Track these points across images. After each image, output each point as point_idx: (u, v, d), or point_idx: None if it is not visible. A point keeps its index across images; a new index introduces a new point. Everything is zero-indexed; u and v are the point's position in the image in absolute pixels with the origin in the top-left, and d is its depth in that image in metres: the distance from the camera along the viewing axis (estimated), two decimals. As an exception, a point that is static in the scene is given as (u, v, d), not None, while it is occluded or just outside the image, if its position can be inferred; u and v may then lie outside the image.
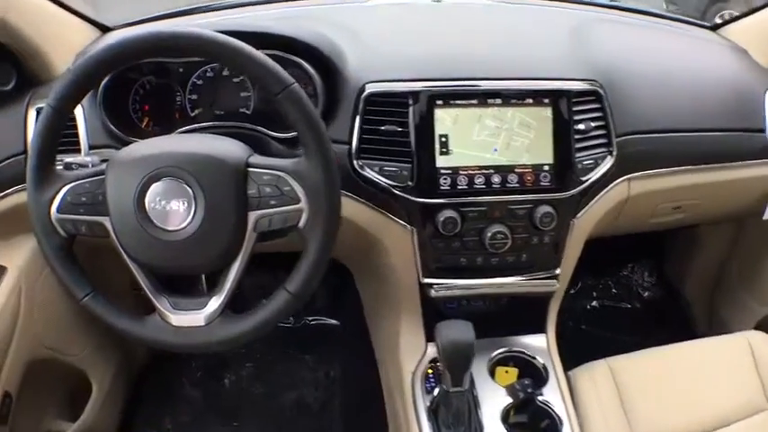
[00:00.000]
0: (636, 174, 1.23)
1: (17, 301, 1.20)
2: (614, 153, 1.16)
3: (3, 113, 1.18)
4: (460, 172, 1.10)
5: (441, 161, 1.09)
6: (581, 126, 1.14)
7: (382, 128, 1.09)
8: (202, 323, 0.90)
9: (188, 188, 0.86)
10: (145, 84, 1.19)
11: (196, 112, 1.19)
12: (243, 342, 0.93)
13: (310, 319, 1.82)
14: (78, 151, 1.14)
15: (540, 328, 1.27)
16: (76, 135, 1.13)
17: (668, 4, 4.68)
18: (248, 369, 1.71)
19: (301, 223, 0.89)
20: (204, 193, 0.86)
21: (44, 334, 1.29)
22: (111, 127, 1.14)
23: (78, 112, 1.13)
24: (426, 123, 1.09)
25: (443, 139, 1.09)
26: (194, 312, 0.90)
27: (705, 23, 1.59)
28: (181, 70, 1.18)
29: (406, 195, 1.10)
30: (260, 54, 0.86)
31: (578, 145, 1.14)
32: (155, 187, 0.86)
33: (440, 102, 1.09)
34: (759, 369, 1.22)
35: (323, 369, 1.70)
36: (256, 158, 0.90)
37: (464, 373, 1.04)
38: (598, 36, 1.30)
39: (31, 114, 1.18)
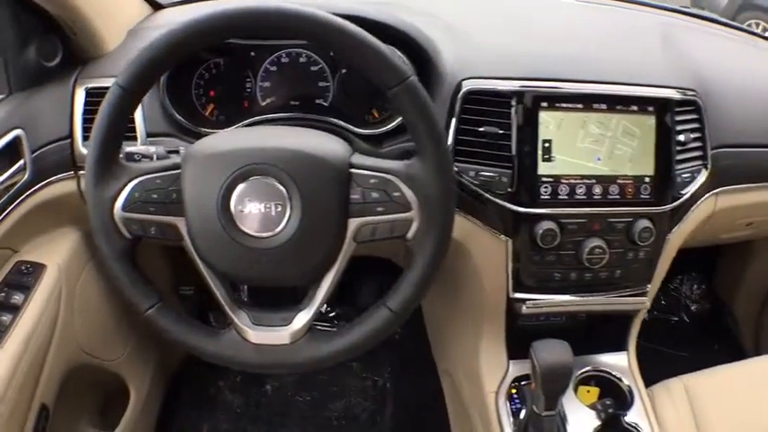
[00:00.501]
0: (723, 188, 1.18)
1: (57, 303, 1.09)
2: (708, 166, 1.11)
3: (47, 92, 1.07)
4: (562, 181, 1.03)
5: (542, 168, 1.02)
6: (681, 137, 1.08)
7: (481, 129, 1.01)
8: (287, 341, 0.81)
9: (283, 189, 0.76)
10: (211, 67, 1.09)
11: (267, 101, 1.09)
12: (332, 363, 0.84)
13: None
14: (133, 139, 1.04)
15: (620, 346, 1.22)
16: (132, 121, 1.02)
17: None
18: (293, 375, 1.62)
19: (410, 234, 0.80)
20: (301, 196, 0.76)
21: (83, 338, 1.18)
22: (174, 113, 1.04)
23: None
24: (530, 126, 1.01)
25: (546, 145, 1.02)
26: (278, 329, 0.81)
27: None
28: (253, 54, 1.08)
29: (503, 203, 1.02)
30: (377, 41, 0.76)
31: (678, 157, 1.08)
32: (243, 187, 0.76)
33: (544, 104, 1.02)
34: None
35: (371, 377, 1.62)
36: (360, 158, 0.81)
37: (559, 396, 0.98)
38: (691, 45, 1.25)
39: (79, 95, 1.07)
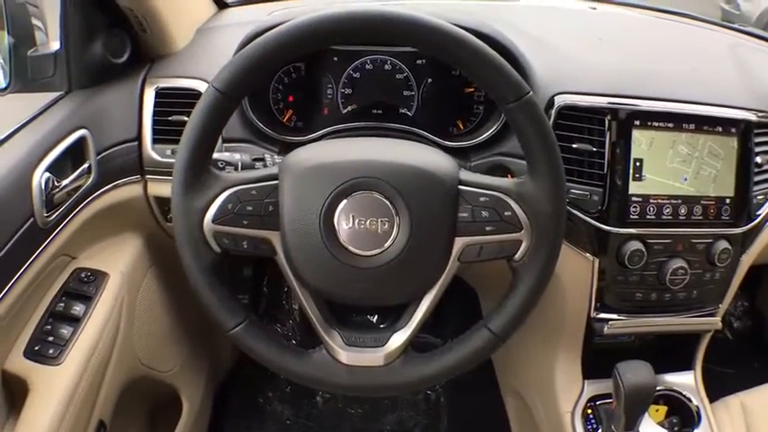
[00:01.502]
0: None
1: (118, 314, 1.05)
2: None
3: (114, 90, 1.04)
4: (651, 200, 1.02)
5: (633, 188, 1.01)
6: (758, 159, 1.08)
7: (574, 146, 1.00)
8: (381, 362, 0.78)
9: (390, 205, 0.74)
10: (291, 71, 1.06)
11: (349, 108, 1.07)
12: (428, 386, 0.84)
13: None
14: None
15: (688, 365, 1.21)
16: None
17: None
18: None
19: (518, 255, 0.78)
20: (410, 213, 0.74)
21: (142, 350, 1.15)
22: (253, 118, 1.01)
23: None
24: (623, 144, 1.00)
25: (637, 164, 1.01)
26: (372, 351, 0.78)
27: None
28: (336, 59, 1.05)
29: (593, 222, 1.01)
30: (497, 55, 0.74)
31: (755, 179, 1.08)
32: (348, 202, 0.74)
33: (637, 122, 1.01)
34: None
35: (423, 391, 1.58)
36: (469, 175, 0.79)
37: (640, 416, 0.98)
38: (760, 66, 1.25)
39: (149, 95, 1.05)
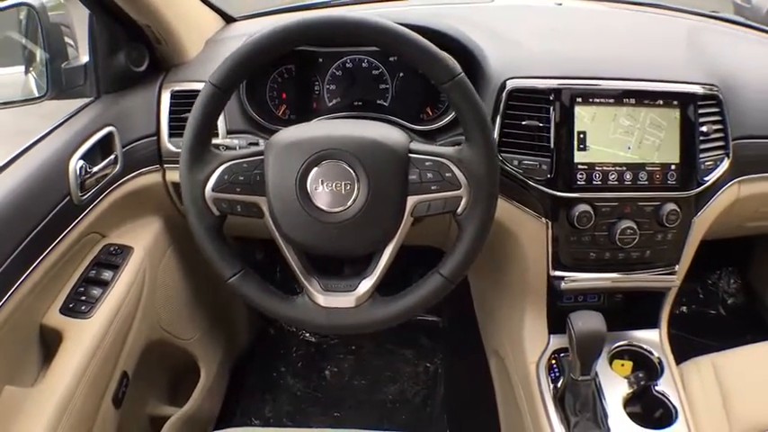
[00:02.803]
0: (747, 176, 1.27)
1: (141, 281, 1.24)
2: (730, 155, 1.21)
3: (136, 94, 1.23)
4: (596, 168, 1.14)
5: (578, 156, 1.14)
6: (703, 128, 1.18)
7: (523, 123, 1.14)
8: (353, 305, 0.92)
9: (351, 171, 0.89)
10: (283, 72, 1.24)
11: (333, 102, 1.24)
12: (392, 324, 0.96)
13: None
14: (215, 135, 1.17)
15: (653, 324, 1.30)
16: None
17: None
18: (349, 361, 1.74)
19: (459, 209, 0.92)
20: (368, 176, 0.89)
21: (163, 315, 1.33)
22: (252, 113, 1.19)
23: None
24: (566, 120, 1.13)
25: (581, 136, 1.14)
26: (345, 294, 0.93)
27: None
28: (321, 60, 1.23)
29: (543, 188, 1.14)
30: (428, 42, 0.90)
31: (701, 146, 1.18)
32: (319, 169, 0.89)
33: (579, 99, 1.14)
34: None
35: (423, 364, 1.73)
36: (417, 145, 0.94)
37: (594, 361, 1.08)
38: (714, 44, 1.36)
39: (165, 97, 1.23)
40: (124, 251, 1.22)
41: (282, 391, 1.68)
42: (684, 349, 1.30)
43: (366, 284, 0.93)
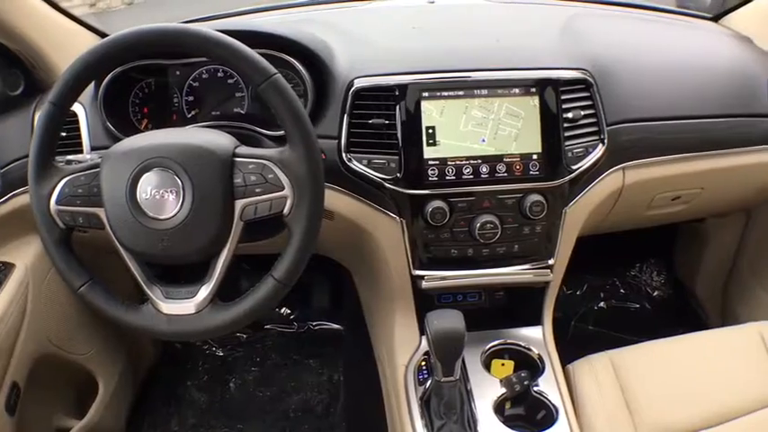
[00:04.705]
0: (631, 162, 1.22)
1: (25, 295, 1.25)
2: (605, 141, 1.16)
3: (12, 117, 1.24)
4: (448, 162, 1.11)
5: (428, 152, 1.10)
6: (569, 115, 1.14)
7: (370, 121, 1.11)
8: (192, 311, 0.92)
9: (177, 178, 0.89)
10: (144, 86, 1.24)
11: (193, 113, 1.23)
12: (232, 329, 0.95)
13: (314, 324, 1.84)
14: (80, 151, 1.18)
15: (536, 321, 1.26)
16: (80, 137, 1.17)
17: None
18: (254, 373, 1.74)
19: (286, 210, 0.90)
20: (192, 183, 0.88)
21: (51, 330, 1.34)
22: (111, 128, 1.18)
23: (81, 114, 1.18)
24: (413, 115, 1.10)
25: (430, 131, 1.11)
26: (185, 301, 0.92)
27: (706, 14, 1.60)
28: (178, 73, 1.22)
29: (394, 187, 1.11)
30: (243, 46, 0.89)
31: (568, 133, 1.14)
32: (146, 178, 0.89)
33: (426, 94, 1.10)
34: None
35: (327, 373, 1.72)
36: (243, 149, 0.93)
37: (455, 362, 1.03)
38: (588, 28, 1.32)
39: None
40: (6, 267, 1.25)
41: (188, 405, 1.68)
42: (607, 346, 1.25)
43: (205, 291, 0.92)
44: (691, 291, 1.80)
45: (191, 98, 1.23)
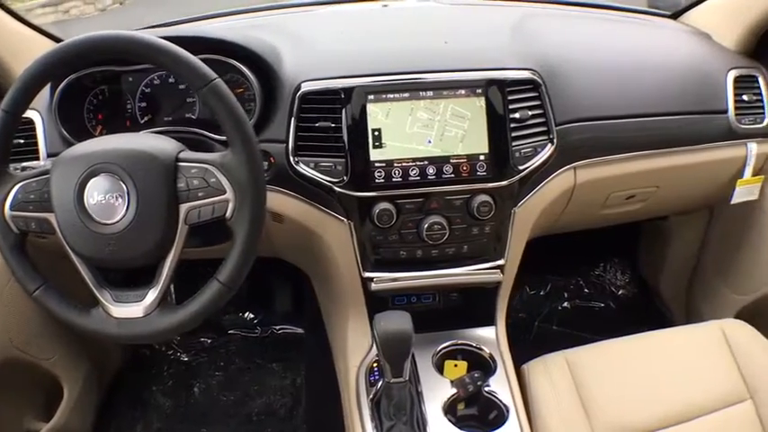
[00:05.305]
0: (582, 162, 1.23)
1: None
2: (555, 141, 1.16)
3: None
4: (395, 164, 1.11)
5: (374, 155, 1.11)
6: (517, 115, 1.15)
7: (317, 125, 1.12)
8: (141, 314, 0.93)
9: (122, 183, 0.90)
10: (98, 93, 1.25)
11: (145, 119, 1.24)
12: (180, 332, 0.96)
13: (277, 328, 1.85)
14: (38, 158, 1.19)
15: (490, 321, 1.26)
16: (37, 144, 1.18)
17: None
18: (218, 378, 1.75)
19: (228, 214, 0.91)
20: (136, 187, 0.90)
21: (14, 334, 1.34)
22: (66, 135, 1.19)
23: (38, 121, 1.19)
24: (359, 118, 1.11)
25: (376, 133, 1.11)
26: (134, 305, 0.93)
27: (664, 12, 1.61)
28: (131, 79, 1.23)
29: (341, 190, 1.12)
30: (183, 52, 0.90)
31: (515, 134, 1.15)
32: (92, 183, 0.90)
33: (371, 96, 1.11)
34: (737, 358, 1.18)
35: (290, 376, 1.73)
36: (186, 154, 0.94)
37: (403, 362, 1.03)
38: (540, 28, 1.32)
39: None
40: None
41: (153, 409, 1.69)
42: (570, 346, 1.25)
43: (152, 295, 0.93)
44: (655, 289, 1.80)
45: (143, 104, 1.24)
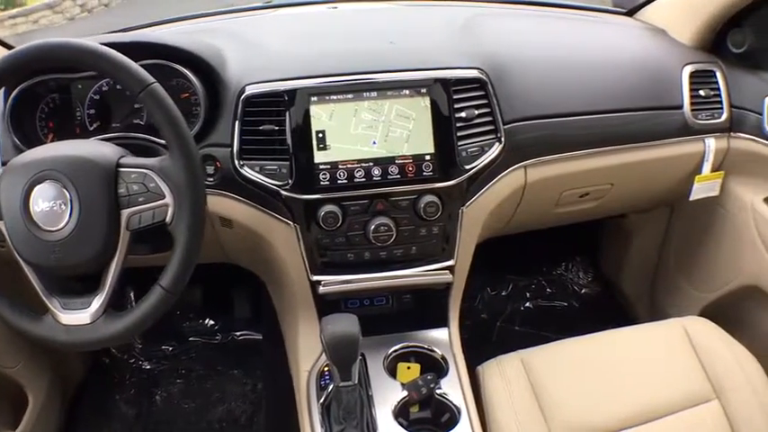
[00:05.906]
0: (532, 160, 1.23)
1: None
2: (503, 140, 1.16)
3: None
4: (340, 166, 1.11)
5: (319, 157, 1.11)
6: (463, 114, 1.14)
7: (261, 128, 1.12)
8: (88, 321, 0.93)
9: (65, 190, 0.90)
10: (49, 101, 1.24)
11: (94, 125, 1.23)
12: (126, 338, 0.98)
13: (238, 334, 1.85)
14: None
15: (442, 323, 1.26)
16: None
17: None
18: (179, 385, 1.74)
19: (168, 218, 0.92)
20: (78, 194, 0.90)
21: None
22: (18, 143, 1.19)
23: None
24: (302, 120, 1.11)
25: (320, 135, 1.11)
26: (81, 311, 0.94)
27: (620, 9, 1.62)
28: (80, 87, 1.22)
29: (287, 193, 1.11)
30: (121, 57, 0.90)
31: (461, 133, 1.14)
32: (37, 190, 0.90)
33: (315, 98, 1.11)
34: (700, 356, 1.17)
35: (251, 383, 1.73)
36: (126, 159, 0.94)
37: (351, 366, 1.03)
38: (488, 27, 1.33)
39: None
40: None
41: (117, 418, 1.68)
42: (529, 346, 1.25)
43: (97, 302, 0.94)
44: (618, 288, 1.80)
45: (92, 111, 1.23)
